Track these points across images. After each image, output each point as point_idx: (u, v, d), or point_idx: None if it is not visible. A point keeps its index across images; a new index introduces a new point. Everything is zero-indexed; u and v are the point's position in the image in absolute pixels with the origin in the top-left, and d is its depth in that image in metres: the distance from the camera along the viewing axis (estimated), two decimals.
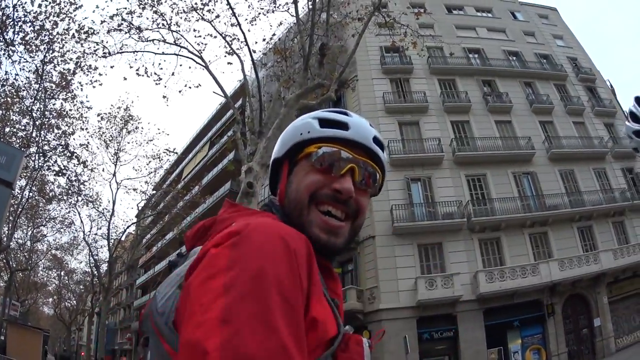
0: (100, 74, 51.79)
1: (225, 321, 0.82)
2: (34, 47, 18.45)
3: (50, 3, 17.75)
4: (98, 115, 49.72)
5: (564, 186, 30.05)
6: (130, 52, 17.66)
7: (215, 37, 17.52)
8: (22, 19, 17.45)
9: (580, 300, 27.13)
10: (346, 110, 1.30)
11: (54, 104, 23.43)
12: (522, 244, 27.71)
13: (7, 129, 22.00)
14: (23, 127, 22.61)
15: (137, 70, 18.08)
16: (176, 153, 38.57)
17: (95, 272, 42.03)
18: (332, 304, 1.09)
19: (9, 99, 21.02)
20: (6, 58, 18.10)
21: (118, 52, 17.69)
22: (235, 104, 29.96)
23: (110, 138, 33.09)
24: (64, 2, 18.00)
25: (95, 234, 42.72)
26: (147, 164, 48.61)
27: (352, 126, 1.24)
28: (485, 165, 29.07)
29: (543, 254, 27.74)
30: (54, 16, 18.01)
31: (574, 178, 30.60)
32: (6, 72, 33.02)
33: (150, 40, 17.38)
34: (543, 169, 30.16)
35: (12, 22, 17.20)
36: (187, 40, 34.32)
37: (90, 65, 19.83)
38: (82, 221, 58.65)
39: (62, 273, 55.35)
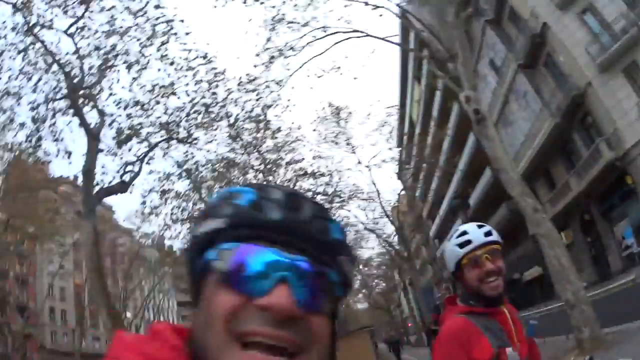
0: None
1: None
2: None
3: None
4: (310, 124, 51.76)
5: None
6: None
7: None
8: None
9: None
10: None
11: None
12: None
13: None
14: None
15: None
16: (395, 107, 39.27)
17: (391, 249, 43.24)
18: None
19: None
20: None
21: None
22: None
23: (334, 135, 33.55)
24: None
25: (374, 218, 44.56)
26: (380, 133, 49.15)
27: None
28: None
29: None
30: None
31: None
32: None
33: None
34: None
35: None
36: None
37: None
38: (355, 216, 59.07)
39: (361, 266, 56.18)
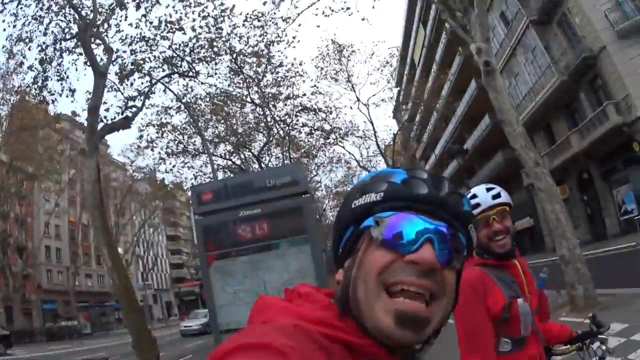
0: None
1: None
2: None
3: None
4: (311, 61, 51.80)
5: None
6: None
7: None
8: None
9: None
10: None
11: None
12: None
13: None
14: None
15: None
16: (397, 48, 39.34)
17: None
18: None
19: None
20: None
21: None
22: None
23: (335, 72, 33.43)
24: None
25: (368, 156, 44.53)
26: (381, 73, 47.75)
27: None
28: None
29: None
30: None
31: None
32: None
33: None
34: None
35: None
36: None
37: None
38: (349, 152, 59.22)
39: None
